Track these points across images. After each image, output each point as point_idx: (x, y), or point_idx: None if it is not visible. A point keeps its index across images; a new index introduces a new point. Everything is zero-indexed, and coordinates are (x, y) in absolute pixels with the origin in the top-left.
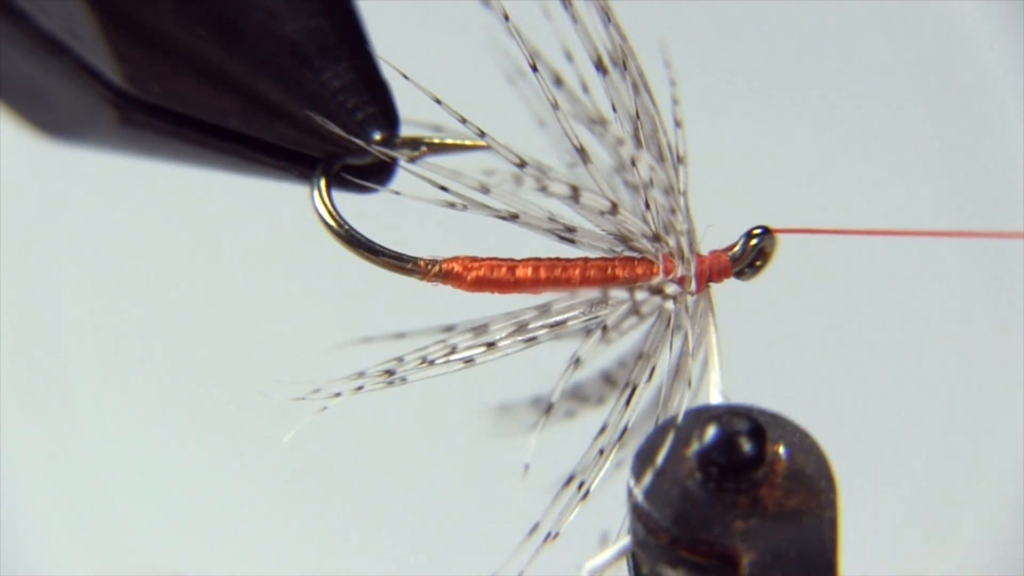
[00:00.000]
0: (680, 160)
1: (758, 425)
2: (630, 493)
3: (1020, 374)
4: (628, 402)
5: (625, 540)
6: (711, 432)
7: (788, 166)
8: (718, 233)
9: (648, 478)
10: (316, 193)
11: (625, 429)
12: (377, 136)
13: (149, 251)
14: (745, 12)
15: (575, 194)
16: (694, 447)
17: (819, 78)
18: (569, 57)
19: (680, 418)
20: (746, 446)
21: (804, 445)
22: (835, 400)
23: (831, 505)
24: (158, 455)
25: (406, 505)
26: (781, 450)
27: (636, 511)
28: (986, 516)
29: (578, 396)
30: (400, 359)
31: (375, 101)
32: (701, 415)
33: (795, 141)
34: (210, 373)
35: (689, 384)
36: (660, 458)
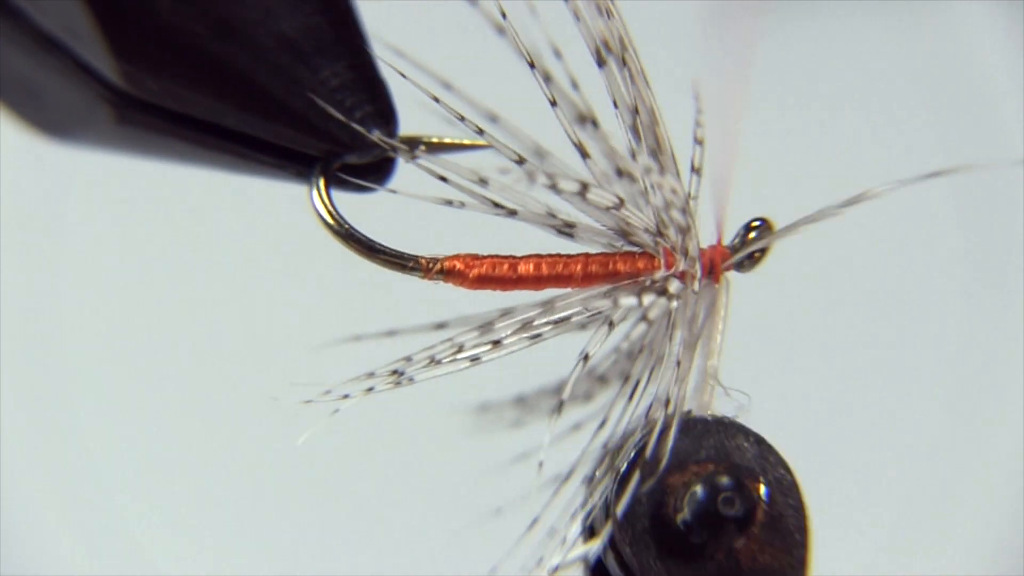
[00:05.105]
0: (677, 166)
1: (742, 485)
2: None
3: (1020, 374)
4: (631, 397)
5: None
6: (698, 494)
7: (788, 162)
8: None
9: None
10: (315, 192)
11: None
12: (376, 135)
13: (149, 251)
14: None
15: (576, 189)
16: (684, 514)
17: (819, 75)
18: (557, 54)
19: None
20: (732, 509)
21: (784, 485)
22: (835, 399)
23: (802, 563)
24: (158, 454)
25: (406, 504)
26: (762, 491)
27: (620, 562)
28: (986, 516)
29: (575, 393)
30: (408, 359)
31: (373, 100)
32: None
33: (795, 137)
34: (209, 372)
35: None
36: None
